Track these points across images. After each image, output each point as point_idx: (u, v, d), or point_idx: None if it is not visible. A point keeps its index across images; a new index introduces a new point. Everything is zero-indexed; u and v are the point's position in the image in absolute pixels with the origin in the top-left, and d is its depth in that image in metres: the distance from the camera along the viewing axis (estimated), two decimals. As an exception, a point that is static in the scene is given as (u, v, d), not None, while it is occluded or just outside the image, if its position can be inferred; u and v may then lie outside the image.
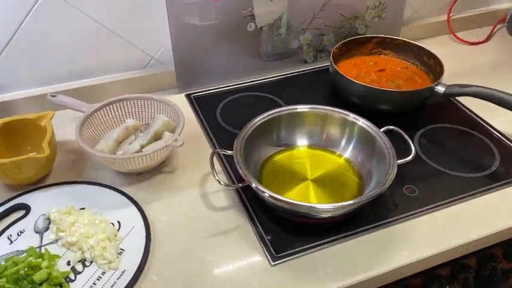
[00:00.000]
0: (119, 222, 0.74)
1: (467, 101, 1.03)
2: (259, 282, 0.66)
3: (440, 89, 0.96)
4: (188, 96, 1.06)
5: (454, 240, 0.73)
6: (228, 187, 0.78)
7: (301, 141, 0.88)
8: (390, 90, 0.98)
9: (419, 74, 1.09)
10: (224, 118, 0.99)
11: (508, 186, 0.82)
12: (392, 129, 0.84)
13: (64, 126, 0.90)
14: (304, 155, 0.86)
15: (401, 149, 0.78)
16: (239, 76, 1.10)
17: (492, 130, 0.96)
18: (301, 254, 0.70)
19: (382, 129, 0.82)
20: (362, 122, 0.82)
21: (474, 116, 1.00)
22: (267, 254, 0.70)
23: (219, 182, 0.74)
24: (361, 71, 1.09)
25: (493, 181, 0.83)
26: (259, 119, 0.84)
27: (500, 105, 0.91)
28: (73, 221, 0.71)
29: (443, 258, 0.73)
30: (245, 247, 0.71)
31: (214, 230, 0.74)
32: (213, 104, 1.03)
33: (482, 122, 0.98)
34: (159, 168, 0.85)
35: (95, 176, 0.83)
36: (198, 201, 0.79)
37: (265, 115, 0.85)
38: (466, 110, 1.02)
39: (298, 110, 0.86)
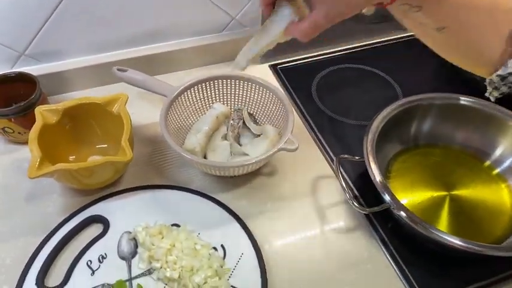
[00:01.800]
0: (223, 246, 0.60)
1: None
2: None
3: None
4: (273, 67, 0.88)
5: None
6: (363, 211, 0.63)
7: (449, 140, 0.72)
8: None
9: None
10: (323, 99, 0.82)
11: None
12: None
13: (130, 105, 0.69)
14: (449, 157, 0.71)
15: None
16: (336, 41, 0.92)
17: None
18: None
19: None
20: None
21: None
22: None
23: (352, 204, 0.59)
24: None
25: None
26: (395, 107, 0.67)
27: None
28: (169, 246, 0.58)
29: None
30: (383, 282, 0.58)
31: (341, 261, 0.61)
32: (305, 78, 0.86)
33: None
34: (257, 170, 0.70)
35: (179, 177, 0.69)
36: (312, 218, 0.65)
37: (407, 100, 0.68)
38: None
39: (458, 102, 0.69)
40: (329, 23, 0.44)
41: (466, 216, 0.64)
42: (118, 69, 0.73)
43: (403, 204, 0.57)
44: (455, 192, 0.66)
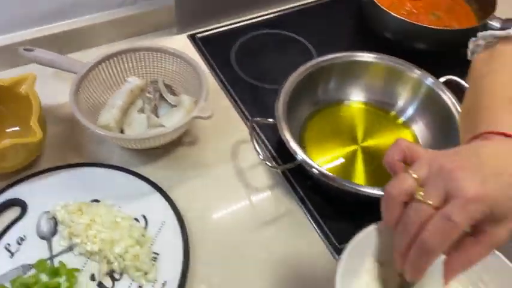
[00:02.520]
0: (144, 217, 0.62)
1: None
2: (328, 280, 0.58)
3: (495, 24, 0.85)
4: (192, 37, 0.89)
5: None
6: (277, 168, 0.66)
7: (354, 96, 0.76)
8: (441, 28, 0.85)
9: (459, 2, 0.97)
10: (242, 66, 0.84)
11: None
12: (452, 80, 0.73)
13: (42, 86, 0.68)
14: (357, 112, 0.76)
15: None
16: (254, 7, 0.93)
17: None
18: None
19: (441, 79, 0.71)
20: (432, 81, 0.70)
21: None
22: (329, 246, 0.61)
23: (266, 164, 0.62)
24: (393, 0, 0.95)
25: None
26: (302, 70, 0.70)
27: None
28: (88, 222, 0.59)
29: None
30: (302, 238, 0.62)
31: (261, 217, 0.64)
32: (224, 47, 0.88)
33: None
34: (177, 139, 0.71)
35: (98, 154, 0.69)
36: (233, 181, 0.68)
37: (311, 64, 0.71)
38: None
39: (357, 59, 0.73)
40: None
41: (378, 165, 0.69)
42: (25, 49, 0.71)
43: (313, 162, 0.60)
44: (365, 144, 0.71)
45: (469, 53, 0.54)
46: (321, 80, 0.73)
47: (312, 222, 0.63)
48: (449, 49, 0.83)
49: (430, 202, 0.35)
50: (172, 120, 0.67)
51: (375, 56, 0.72)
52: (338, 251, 0.61)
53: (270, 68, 0.84)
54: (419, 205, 0.36)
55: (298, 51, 0.88)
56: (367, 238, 0.43)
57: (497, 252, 0.42)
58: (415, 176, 0.37)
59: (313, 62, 0.71)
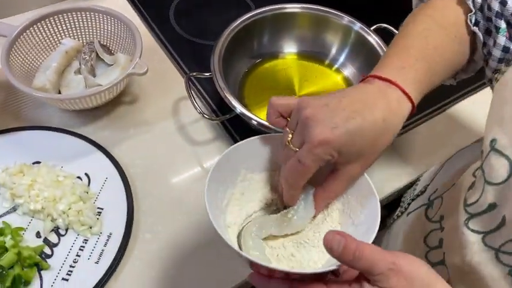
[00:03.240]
0: (87, 175, 0.64)
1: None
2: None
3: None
4: (129, -4, 0.88)
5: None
6: (214, 120, 0.69)
7: (288, 49, 0.79)
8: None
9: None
10: (181, 24, 0.85)
11: None
12: (384, 28, 0.76)
13: None
14: (292, 64, 0.78)
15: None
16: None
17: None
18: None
19: (372, 28, 0.75)
20: (360, 26, 0.73)
21: None
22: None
23: (203, 116, 0.65)
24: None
25: None
26: (236, 25, 0.72)
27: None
28: (30, 182, 0.60)
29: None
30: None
31: (203, 169, 0.67)
32: (162, 5, 0.88)
33: None
34: (117, 99, 0.73)
35: (39, 118, 0.70)
36: (174, 136, 0.70)
37: (243, 19, 0.73)
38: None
39: (286, 11, 0.75)
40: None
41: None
42: None
43: (250, 112, 0.63)
44: (303, 93, 0.74)
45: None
46: (255, 34, 0.75)
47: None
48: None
49: (292, 147, 0.42)
50: (108, 79, 0.68)
51: (302, 6, 0.74)
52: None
53: (209, 23, 0.85)
54: (288, 149, 0.43)
55: (236, 5, 0.89)
56: (237, 152, 0.47)
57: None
58: (287, 129, 0.43)
59: (245, 16, 0.73)
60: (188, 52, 0.80)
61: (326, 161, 0.40)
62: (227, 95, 0.64)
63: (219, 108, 0.73)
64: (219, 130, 0.71)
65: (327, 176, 0.44)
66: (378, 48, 0.70)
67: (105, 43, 0.76)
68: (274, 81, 0.76)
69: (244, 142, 0.47)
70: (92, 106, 0.68)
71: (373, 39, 0.71)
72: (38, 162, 0.64)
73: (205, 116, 0.64)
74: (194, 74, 0.68)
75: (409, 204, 0.65)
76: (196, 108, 0.65)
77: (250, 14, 0.73)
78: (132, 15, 0.85)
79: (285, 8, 0.74)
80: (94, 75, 0.72)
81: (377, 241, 0.41)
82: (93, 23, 0.74)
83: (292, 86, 0.75)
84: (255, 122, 0.62)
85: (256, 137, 0.47)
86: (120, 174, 0.64)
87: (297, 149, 0.41)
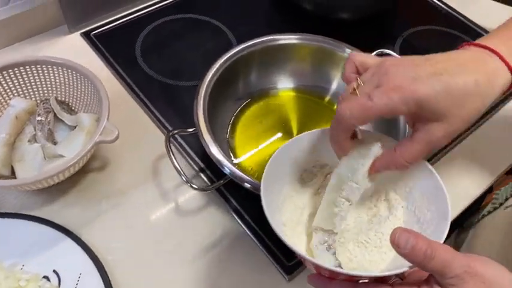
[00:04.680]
0: (56, 272, 0.53)
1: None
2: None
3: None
4: (86, 35, 0.77)
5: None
6: (206, 190, 0.58)
7: (283, 84, 0.69)
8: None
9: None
10: (150, 62, 0.74)
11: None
12: (384, 53, 0.68)
13: None
14: (288, 101, 0.69)
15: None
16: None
17: (479, 30, 0.85)
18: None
19: (373, 53, 0.66)
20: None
21: (455, 14, 0.88)
22: (278, 267, 0.55)
23: (191, 186, 0.54)
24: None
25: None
26: (219, 65, 0.62)
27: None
28: (-17, 295, 0.49)
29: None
30: (247, 262, 0.56)
31: (196, 246, 0.57)
32: (126, 41, 0.77)
33: (467, 21, 0.86)
34: (84, 166, 0.61)
35: (-13, 200, 0.58)
36: (156, 206, 0.60)
37: (227, 57, 0.63)
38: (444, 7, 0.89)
39: (280, 42, 0.65)
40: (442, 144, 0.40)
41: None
42: None
43: (245, 174, 0.53)
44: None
45: None
46: (241, 72, 0.65)
47: (252, 236, 0.57)
48: (375, 17, 0.79)
49: (358, 94, 0.39)
50: (72, 147, 0.57)
51: (298, 36, 0.65)
52: (287, 269, 0.55)
53: (183, 60, 0.75)
54: (351, 95, 0.40)
55: (213, 36, 0.79)
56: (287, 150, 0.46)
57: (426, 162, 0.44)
58: (359, 80, 0.40)
59: (230, 53, 0.63)
60: (162, 97, 0.70)
61: (401, 111, 0.37)
62: (219, 159, 0.54)
63: (208, 166, 0.62)
64: (211, 194, 0.61)
65: (401, 141, 0.41)
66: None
67: (63, 99, 0.64)
68: (268, 122, 0.67)
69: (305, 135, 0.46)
70: (54, 183, 0.57)
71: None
72: (-7, 263, 0.53)
73: (193, 186, 0.54)
74: (175, 132, 0.58)
75: (506, 199, 0.63)
76: (181, 176, 0.54)
77: (237, 50, 0.63)
78: (92, 58, 0.74)
79: (277, 40, 0.64)
80: (54, 142, 0.60)
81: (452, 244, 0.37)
82: (47, 77, 0.62)
83: (290, 126, 0.66)
84: (248, 185, 0.52)
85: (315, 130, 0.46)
86: (96, 266, 0.53)
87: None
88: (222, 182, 0.55)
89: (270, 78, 0.68)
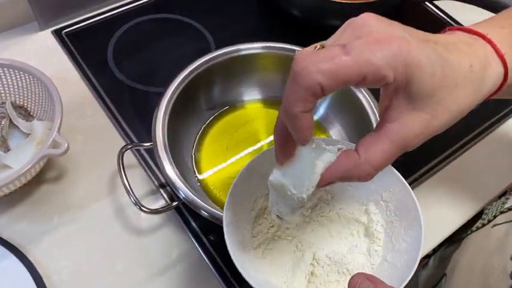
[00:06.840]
0: (-8, 293, 0.51)
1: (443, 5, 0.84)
2: None
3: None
4: (57, 33, 0.74)
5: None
6: (156, 213, 0.55)
7: (250, 96, 0.66)
8: (361, 2, 0.75)
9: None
10: (121, 65, 0.72)
11: None
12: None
13: None
14: (257, 113, 0.66)
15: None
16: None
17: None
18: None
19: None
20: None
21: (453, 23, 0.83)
22: (231, 295, 0.52)
23: (141, 209, 0.51)
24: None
25: None
26: (183, 76, 0.59)
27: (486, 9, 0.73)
28: None
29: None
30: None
31: (149, 269, 0.54)
32: (99, 41, 0.74)
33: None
34: (38, 176, 0.59)
35: None
36: (112, 225, 0.57)
37: (190, 69, 0.60)
38: (444, 16, 0.84)
39: (244, 53, 0.61)
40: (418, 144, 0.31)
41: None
42: None
43: (201, 202, 0.50)
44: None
45: None
46: (203, 86, 0.61)
47: (214, 270, 0.54)
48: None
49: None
50: (21, 158, 0.55)
51: (263, 45, 0.61)
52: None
53: (156, 63, 0.72)
54: (314, 51, 0.29)
55: (190, 38, 0.76)
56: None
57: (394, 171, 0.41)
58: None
59: (193, 66, 0.59)
60: (131, 104, 0.67)
61: (381, 77, 0.27)
62: (170, 175, 0.51)
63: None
64: (169, 213, 0.58)
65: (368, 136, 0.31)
66: (365, 102, 0.58)
67: (21, 103, 0.62)
68: (235, 135, 0.64)
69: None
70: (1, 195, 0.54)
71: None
72: None
73: (143, 209, 0.51)
74: (129, 147, 0.55)
75: (494, 216, 0.59)
76: (130, 196, 0.51)
77: (197, 65, 0.60)
78: (61, 58, 0.71)
79: (240, 50, 0.61)
80: (7, 149, 0.58)
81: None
82: (3, 80, 0.60)
83: (259, 136, 0.63)
84: (205, 214, 0.49)
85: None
86: (38, 287, 0.51)
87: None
88: (174, 204, 0.52)
89: (236, 90, 0.65)
